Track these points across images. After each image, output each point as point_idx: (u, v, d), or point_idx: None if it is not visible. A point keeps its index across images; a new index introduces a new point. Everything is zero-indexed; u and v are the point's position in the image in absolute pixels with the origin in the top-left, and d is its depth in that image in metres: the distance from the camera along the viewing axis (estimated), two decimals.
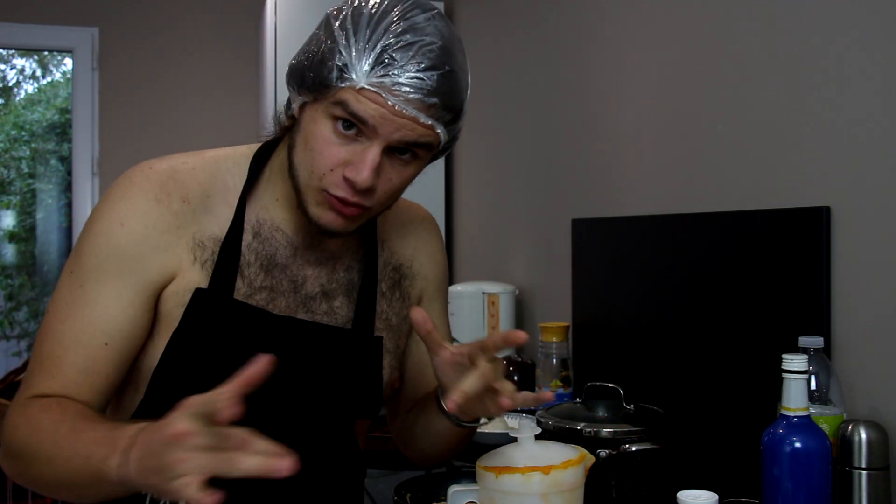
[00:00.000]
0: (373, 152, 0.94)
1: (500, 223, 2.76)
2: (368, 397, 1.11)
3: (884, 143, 1.25)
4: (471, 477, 1.06)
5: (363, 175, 0.93)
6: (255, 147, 1.10)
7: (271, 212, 1.06)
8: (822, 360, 1.22)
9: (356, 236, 1.13)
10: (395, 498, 1.36)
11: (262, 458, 0.73)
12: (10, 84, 5.17)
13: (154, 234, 0.99)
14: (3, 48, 4.78)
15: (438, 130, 0.96)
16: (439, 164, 3.00)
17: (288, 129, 1.05)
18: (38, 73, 5.24)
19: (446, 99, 0.94)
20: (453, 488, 1.00)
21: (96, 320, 0.97)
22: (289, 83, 1.00)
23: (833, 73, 1.34)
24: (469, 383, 0.93)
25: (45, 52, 5.00)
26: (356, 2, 0.96)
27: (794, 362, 1.05)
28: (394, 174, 0.98)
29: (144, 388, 1.02)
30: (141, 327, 0.99)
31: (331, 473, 1.11)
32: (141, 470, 0.78)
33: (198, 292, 0.99)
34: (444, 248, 1.27)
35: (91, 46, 3.68)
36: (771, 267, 1.41)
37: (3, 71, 5.13)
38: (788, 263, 1.38)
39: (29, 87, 5.22)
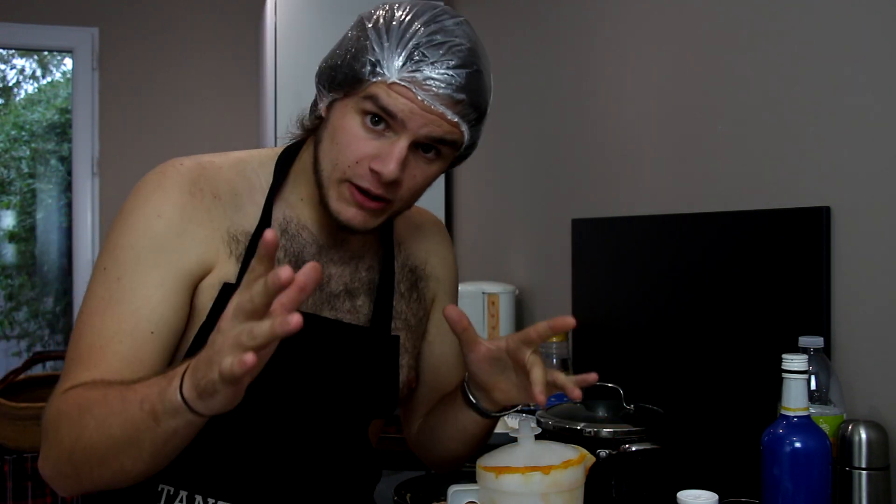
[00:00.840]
0: (400, 145, 0.96)
1: (500, 223, 2.76)
2: (385, 396, 1.12)
3: (884, 143, 1.25)
4: (471, 477, 1.06)
5: (390, 167, 0.95)
6: (279, 150, 1.12)
7: (297, 210, 1.07)
8: (822, 360, 1.22)
9: (376, 237, 1.15)
10: (395, 498, 1.36)
11: (271, 321, 0.69)
12: (10, 84, 5.17)
13: (191, 225, 0.99)
14: (3, 48, 4.78)
15: (463, 129, 0.99)
16: None
17: (312, 130, 1.07)
18: (38, 73, 5.24)
19: (474, 97, 0.97)
20: (453, 488, 1.01)
21: (140, 309, 0.95)
22: (319, 82, 1.03)
23: (833, 73, 1.34)
24: (539, 374, 0.95)
25: (45, 52, 5.00)
26: (387, 6, 1.00)
27: (794, 362, 1.04)
28: (417, 171, 1.00)
29: None
30: (182, 318, 0.98)
31: (345, 472, 1.12)
32: (194, 380, 0.76)
33: (226, 287, 0.99)
34: (454, 252, 1.30)
35: (91, 46, 3.68)
36: (771, 267, 1.41)
37: (3, 71, 5.13)
38: (788, 263, 1.38)
39: (29, 87, 5.22)
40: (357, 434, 1.14)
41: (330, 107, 1.02)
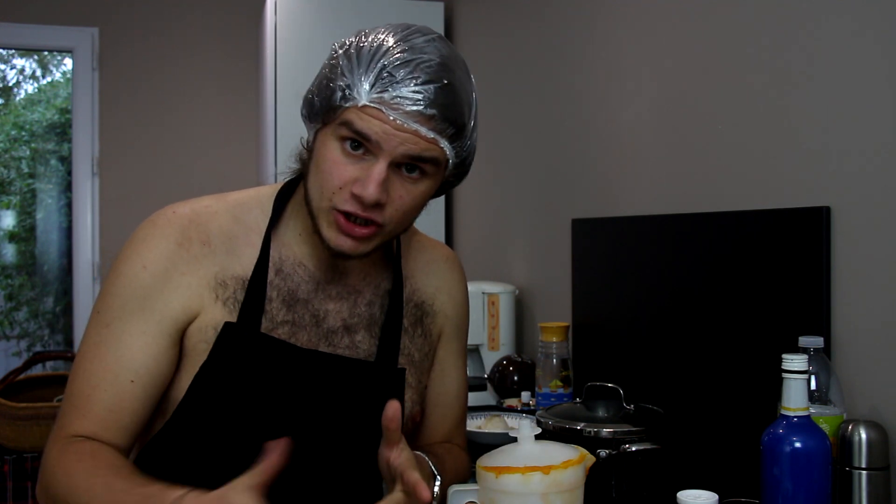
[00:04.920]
0: (378, 167, 0.96)
1: (500, 223, 2.76)
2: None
3: (884, 143, 1.25)
4: (471, 477, 1.06)
5: (369, 189, 0.96)
6: (278, 186, 1.13)
7: (293, 248, 1.09)
8: (822, 360, 1.22)
9: (377, 271, 1.15)
10: None
11: None
12: (10, 84, 5.17)
13: (175, 275, 1.03)
14: (3, 48, 4.78)
15: (442, 145, 0.98)
16: None
17: (306, 162, 1.08)
18: (38, 73, 5.25)
19: (445, 111, 0.96)
20: (453, 488, 1.01)
21: (121, 358, 1.01)
22: (302, 114, 1.05)
23: (833, 73, 1.34)
24: (413, 475, 0.93)
25: (45, 52, 5.00)
26: (361, 32, 1.01)
27: (794, 362, 1.05)
28: (403, 192, 1.00)
29: (171, 415, 1.06)
30: (165, 364, 1.03)
31: (351, 499, 1.12)
32: None
33: (227, 326, 1.03)
34: (467, 288, 1.30)
35: (91, 46, 3.68)
36: (771, 267, 1.41)
37: (3, 71, 5.13)
38: (788, 263, 1.38)
39: (29, 87, 5.23)
40: (363, 464, 1.14)
41: (315, 137, 1.04)
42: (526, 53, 2.54)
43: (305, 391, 1.06)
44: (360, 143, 0.97)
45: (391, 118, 0.95)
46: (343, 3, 3.09)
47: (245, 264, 1.06)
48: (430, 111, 0.95)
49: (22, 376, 3.04)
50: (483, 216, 2.93)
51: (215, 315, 1.04)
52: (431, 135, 0.97)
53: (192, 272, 1.04)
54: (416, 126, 0.95)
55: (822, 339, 1.22)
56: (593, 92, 2.11)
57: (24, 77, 5.20)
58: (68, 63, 4.87)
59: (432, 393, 1.24)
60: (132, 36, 3.72)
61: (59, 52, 4.67)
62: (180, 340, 1.04)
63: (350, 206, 0.98)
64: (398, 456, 0.96)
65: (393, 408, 0.96)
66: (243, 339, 1.03)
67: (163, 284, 1.03)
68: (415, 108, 0.95)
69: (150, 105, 3.74)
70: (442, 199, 3.20)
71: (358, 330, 1.12)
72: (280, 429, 1.04)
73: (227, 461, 1.00)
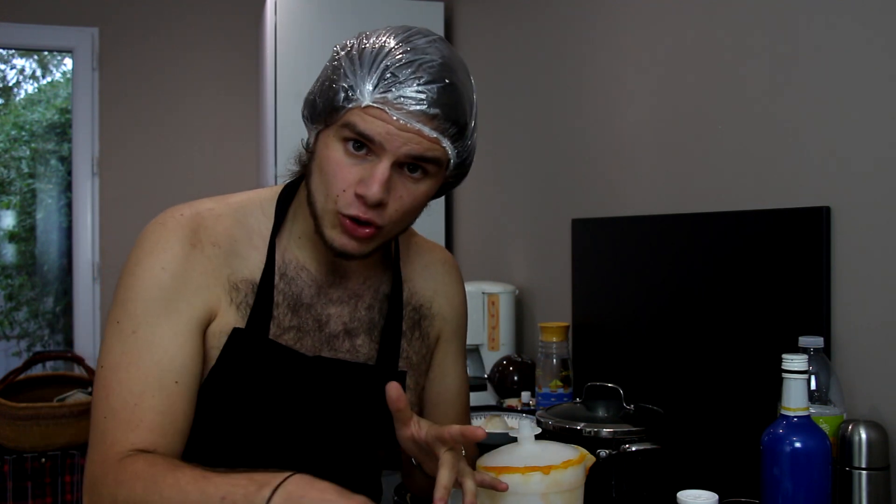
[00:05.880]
0: (382, 167, 0.96)
1: (500, 223, 2.76)
2: (390, 431, 1.12)
3: (884, 143, 1.25)
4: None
5: (373, 189, 0.96)
6: (278, 189, 1.13)
7: (295, 252, 1.09)
8: (822, 360, 1.22)
9: (377, 274, 1.15)
10: (395, 498, 1.36)
11: None
12: (10, 84, 5.17)
13: (195, 275, 1.02)
14: (3, 48, 4.78)
15: (444, 145, 0.99)
16: None
17: (307, 165, 1.08)
18: (38, 73, 5.24)
19: (448, 110, 0.97)
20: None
21: (160, 361, 0.98)
22: (303, 115, 1.05)
23: (833, 73, 1.34)
24: (445, 478, 0.93)
25: (45, 52, 5.00)
26: (361, 36, 1.01)
27: (794, 362, 1.05)
28: (405, 192, 1.00)
29: None
30: (199, 363, 1.02)
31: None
32: None
33: (235, 332, 1.03)
34: (464, 291, 1.29)
35: (91, 46, 3.67)
36: (771, 267, 1.41)
37: (3, 71, 5.13)
38: (788, 263, 1.38)
39: (29, 87, 5.22)
40: (365, 466, 1.15)
41: (316, 139, 1.04)
42: (526, 53, 2.54)
43: (310, 396, 1.07)
44: (362, 144, 0.97)
45: (394, 118, 0.95)
46: (343, 3, 3.09)
47: (251, 268, 1.06)
48: (433, 111, 0.95)
49: (22, 376, 3.04)
50: (483, 216, 2.93)
51: (229, 319, 1.03)
52: (434, 134, 0.97)
53: (209, 272, 1.03)
54: (419, 126, 0.95)
55: (822, 339, 1.22)
56: (593, 92, 2.11)
57: (24, 77, 5.20)
58: (68, 63, 4.87)
59: (432, 393, 1.24)
60: (132, 36, 3.72)
61: (59, 52, 4.66)
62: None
63: (353, 210, 0.98)
64: (420, 429, 0.97)
65: (394, 388, 0.97)
66: (252, 345, 1.04)
67: (183, 285, 1.01)
68: (418, 107, 0.95)
69: (150, 105, 3.74)
70: (442, 199, 3.20)
71: (358, 334, 1.12)
72: (286, 433, 1.06)
73: (234, 466, 1.00)
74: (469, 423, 1.32)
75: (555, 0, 2.35)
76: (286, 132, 2.99)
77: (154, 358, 0.98)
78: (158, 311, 1.00)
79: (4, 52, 4.99)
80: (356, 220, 0.99)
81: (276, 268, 1.07)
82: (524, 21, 2.56)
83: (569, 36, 2.26)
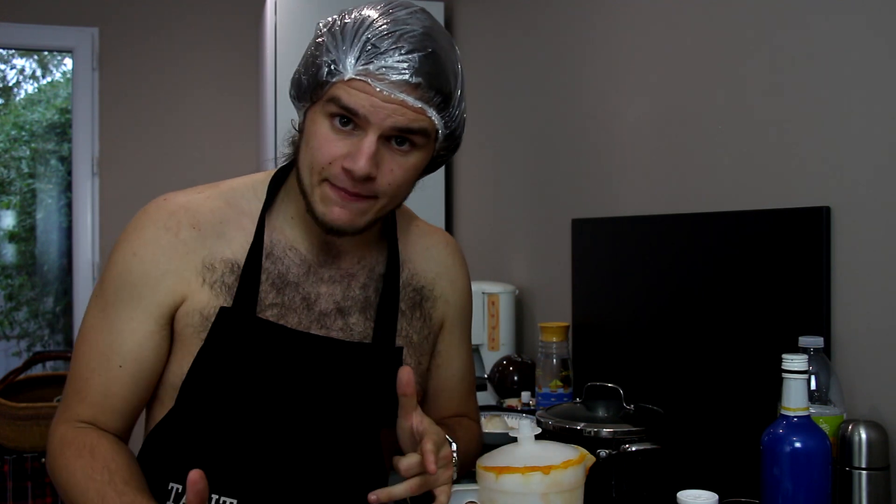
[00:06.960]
0: (368, 140, 0.97)
1: (500, 223, 2.76)
2: (389, 408, 1.12)
3: (884, 143, 1.25)
4: (471, 477, 1.06)
5: (360, 163, 0.96)
6: (272, 172, 1.14)
7: (285, 231, 1.10)
8: (822, 360, 1.22)
9: (372, 254, 1.15)
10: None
11: None
12: (10, 84, 5.17)
13: (162, 259, 1.05)
14: (3, 48, 4.78)
15: (430, 115, 0.99)
16: None
17: (299, 145, 1.09)
18: (38, 73, 5.24)
19: (431, 79, 0.97)
20: (453, 488, 1.01)
21: (111, 344, 1.04)
22: (290, 95, 1.07)
23: (833, 73, 1.34)
24: (399, 490, 0.97)
25: (45, 52, 5.00)
26: (343, 12, 1.03)
27: (794, 362, 1.05)
28: (395, 165, 1.00)
29: (170, 400, 1.07)
30: (153, 349, 1.05)
31: (353, 484, 1.12)
32: None
33: (223, 311, 1.04)
34: (468, 273, 1.30)
35: (91, 46, 3.68)
36: (771, 267, 1.41)
37: (3, 71, 5.13)
38: (788, 263, 1.38)
39: (29, 87, 5.23)
40: (365, 447, 1.15)
41: (305, 117, 1.05)
42: (526, 53, 2.54)
43: (304, 374, 1.07)
44: (348, 119, 0.98)
45: (378, 89, 0.95)
46: (343, 3, 3.09)
47: (235, 248, 1.07)
48: (416, 80, 0.96)
49: (22, 376, 3.04)
50: (483, 216, 2.93)
51: (201, 299, 1.05)
52: (419, 104, 0.97)
53: (180, 256, 1.05)
54: (402, 96, 0.96)
55: (822, 339, 1.22)
56: (593, 92, 2.11)
57: (24, 77, 5.20)
58: (68, 63, 4.87)
59: (439, 379, 1.24)
60: (132, 36, 3.72)
61: (59, 52, 4.67)
62: (170, 325, 1.06)
63: (342, 182, 0.99)
64: (421, 422, 0.99)
65: (406, 374, 0.98)
66: (239, 323, 1.04)
67: (150, 271, 1.04)
68: (400, 77, 0.95)
69: (150, 105, 3.74)
70: (442, 198, 3.20)
71: (352, 313, 1.12)
72: (280, 412, 1.06)
73: (231, 445, 1.04)
74: (474, 399, 1.32)
75: (555, 0, 2.35)
76: (286, 132, 2.99)
77: (108, 340, 1.04)
78: (124, 297, 1.05)
79: (4, 52, 4.99)
80: (346, 192, 0.99)
81: (263, 248, 1.08)
82: (524, 21, 2.56)
83: (569, 36, 2.26)
